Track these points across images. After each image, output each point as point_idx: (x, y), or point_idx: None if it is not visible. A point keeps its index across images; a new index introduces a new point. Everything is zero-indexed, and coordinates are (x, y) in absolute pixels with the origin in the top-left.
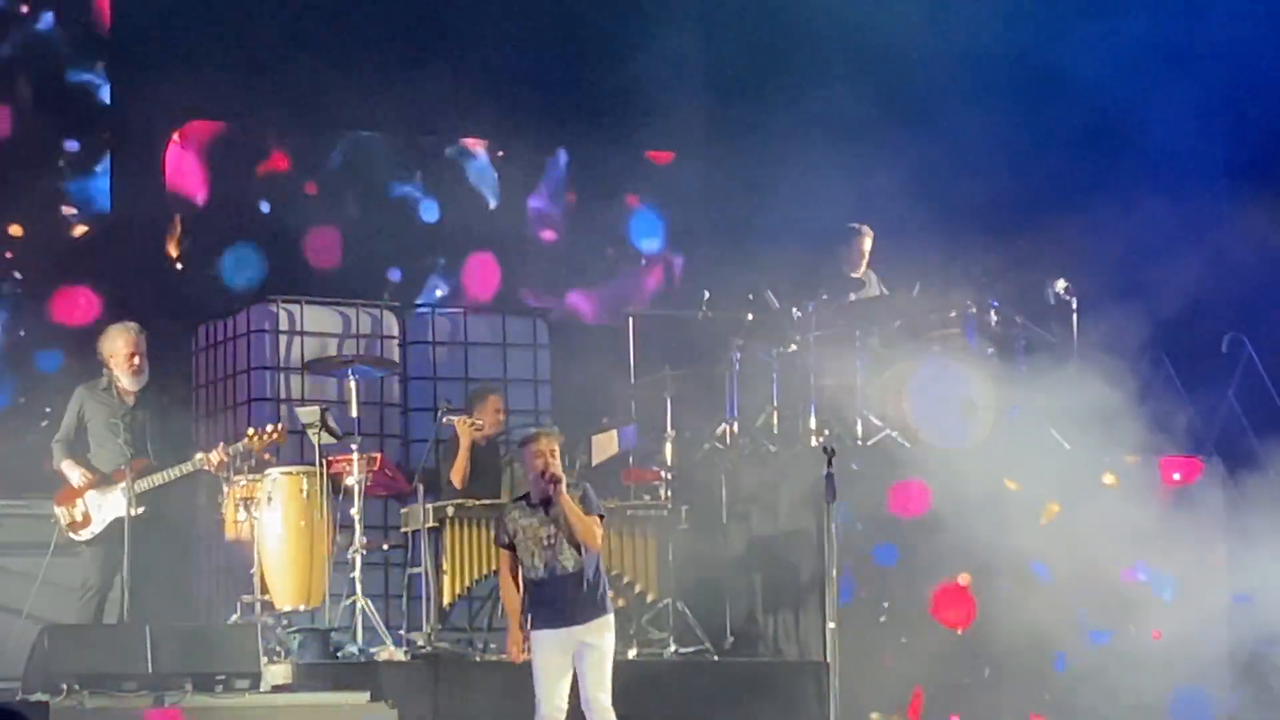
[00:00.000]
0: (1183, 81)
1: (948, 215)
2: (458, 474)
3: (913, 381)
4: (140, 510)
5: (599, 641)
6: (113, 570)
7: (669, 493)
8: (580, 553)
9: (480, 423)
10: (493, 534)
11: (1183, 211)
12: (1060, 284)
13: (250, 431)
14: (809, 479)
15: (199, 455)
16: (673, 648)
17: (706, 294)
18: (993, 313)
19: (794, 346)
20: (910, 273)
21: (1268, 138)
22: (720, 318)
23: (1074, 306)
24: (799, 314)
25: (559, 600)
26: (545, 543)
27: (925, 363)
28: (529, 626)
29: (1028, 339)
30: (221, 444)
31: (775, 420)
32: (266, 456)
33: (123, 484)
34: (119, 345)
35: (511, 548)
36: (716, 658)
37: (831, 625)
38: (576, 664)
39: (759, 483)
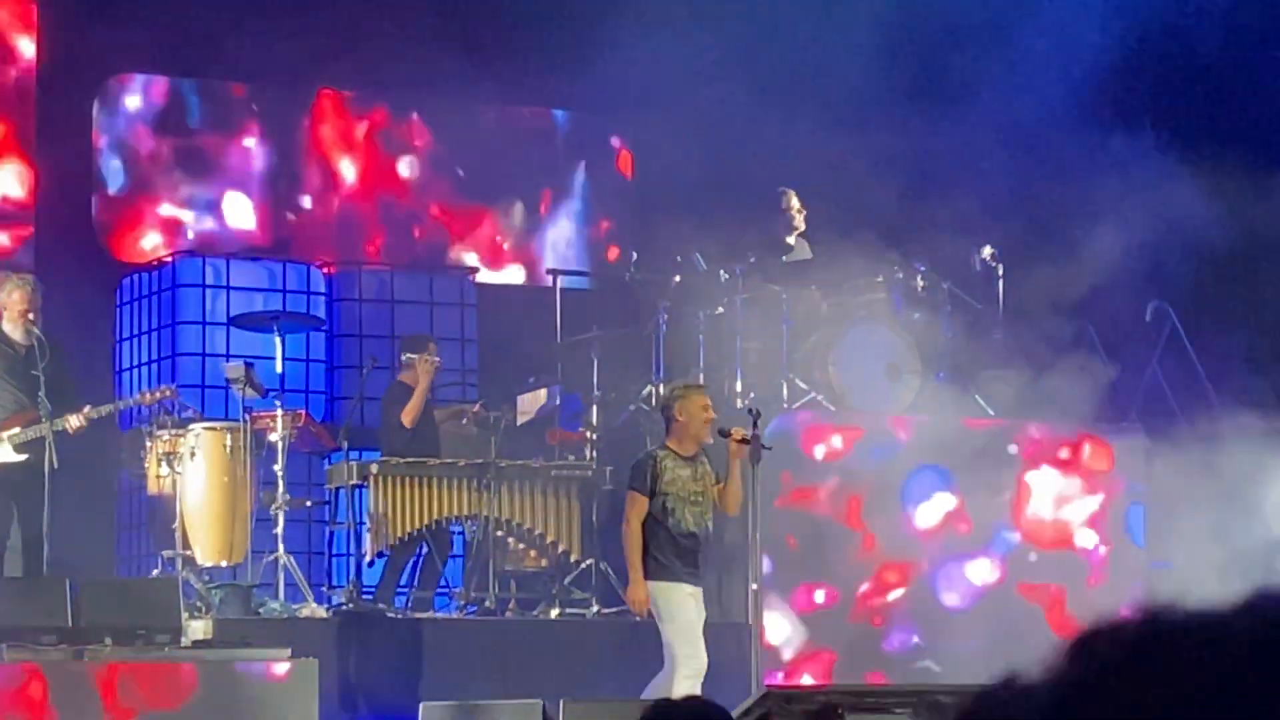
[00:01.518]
0: (1113, 44)
1: (875, 180)
2: (410, 415)
3: (838, 346)
4: (24, 458)
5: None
6: (5, 521)
7: (594, 453)
8: (710, 514)
9: (439, 360)
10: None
11: (1110, 179)
12: (987, 250)
13: (141, 390)
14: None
15: (63, 418)
16: (595, 608)
17: (634, 255)
18: (919, 278)
19: (721, 309)
20: (837, 237)
21: (1195, 104)
22: (647, 279)
23: (1000, 273)
24: (726, 277)
25: (698, 557)
26: (694, 499)
27: (851, 327)
28: (662, 579)
29: (953, 305)
30: (88, 406)
31: (701, 382)
32: (192, 412)
33: (8, 433)
34: (15, 298)
35: (651, 495)
36: (639, 618)
37: (754, 587)
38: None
39: None
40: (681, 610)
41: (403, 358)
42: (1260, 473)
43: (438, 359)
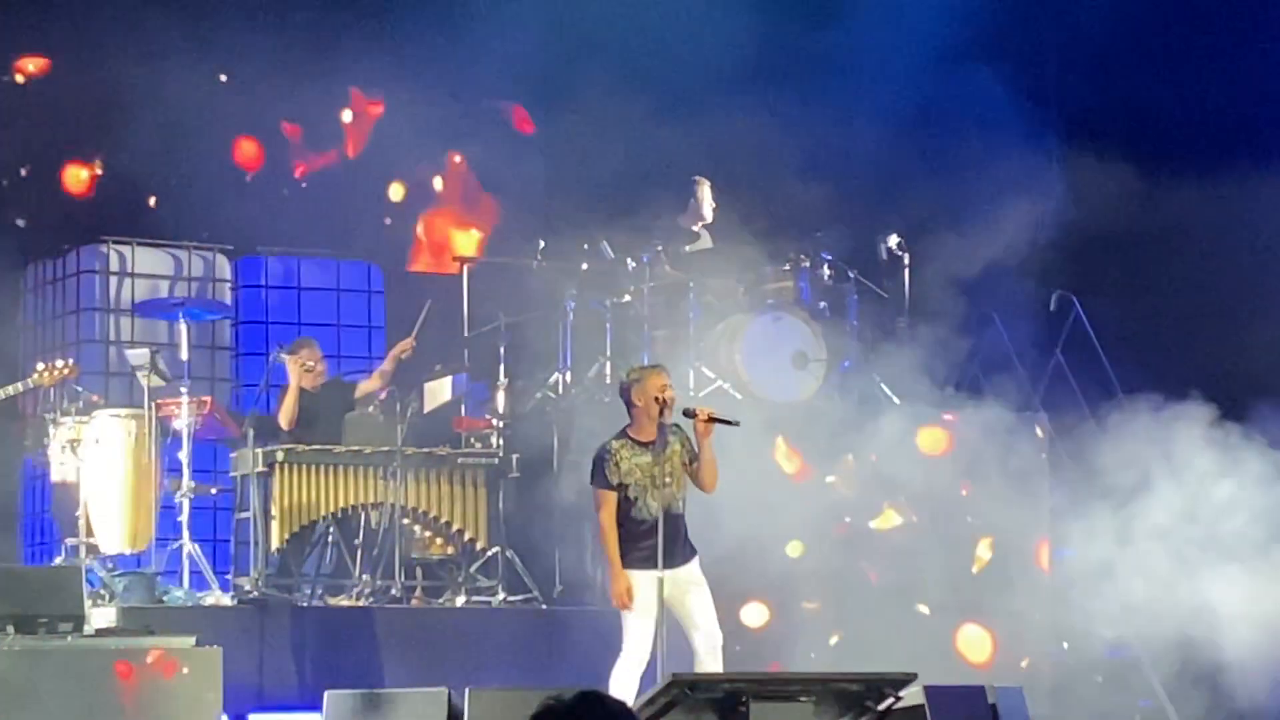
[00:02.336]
0: (1014, 38)
1: (783, 170)
2: (284, 416)
3: (745, 334)
4: None
5: (701, 578)
6: None
7: (500, 441)
8: (681, 493)
9: (311, 363)
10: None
11: (1014, 168)
12: (893, 239)
13: (40, 367)
14: None
15: None
16: (501, 596)
17: (542, 243)
18: (826, 267)
19: (628, 297)
20: (745, 225)
21: (1100, 93)
22: (554, 267)
23: (906, 262)
24: (633, 265)
25: (672, 540)
26: (659, 482)
27: (758, 315)
28: (627, 569)
29: (860, 293)
30: None
31: (608, 370)
32: (96, 398)
33: None
34: None
35: (616, 489)
36: (545, 606)
37: (660, 575)
38: (682, 605)
39: (590, 432)
40: (641, 598)
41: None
42: (1163, 460)
43: (309, 362)
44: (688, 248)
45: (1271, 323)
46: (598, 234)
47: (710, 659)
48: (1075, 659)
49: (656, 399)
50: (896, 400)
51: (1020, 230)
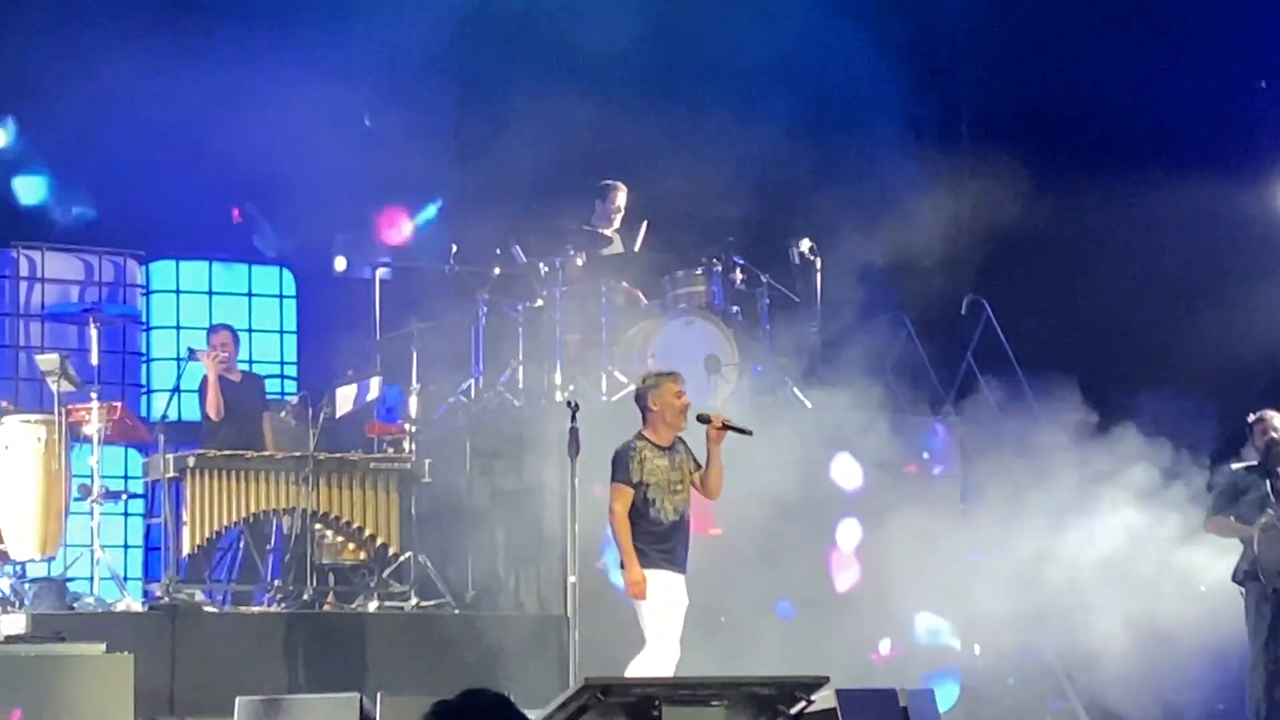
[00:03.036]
0: (924, 43)
1: (695, 173)
2: (211, 407)
3: (657, 338)
4: None
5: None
6: None
7: (413, 446)
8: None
9: (222, 353)
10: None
11: (926, 172)
12: (805, 243)
13: None
14: (553, 433)
15: None
16: (414, 601)
17: (454, 247)
18: (738, 271)
19: (540, 301)
20: (657, 230)
21: (1011, 95)
22: (467, 272)
23: (818, 266)
24: (546, 269)
25: (682, 545)
26: (673, 488)
27: (670, 320)
28: (650, 568)
29: (772, 297)
30: None
31: (520, 375)
32: (5, 404)
33: None
34: None
35: (635, 487)
36: (458, 611)
37: (573, 579)
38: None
39: (503, 437)
40: (666, 599)
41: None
42: (1071, 463)
43: (216, 351)
44: (601, 252)
45: (1183, 323)
46: (510, 239)
47: (669, 666)
48: (986, 662)
49: (676, 405)
50: (808, 404)
51: (932, 234)
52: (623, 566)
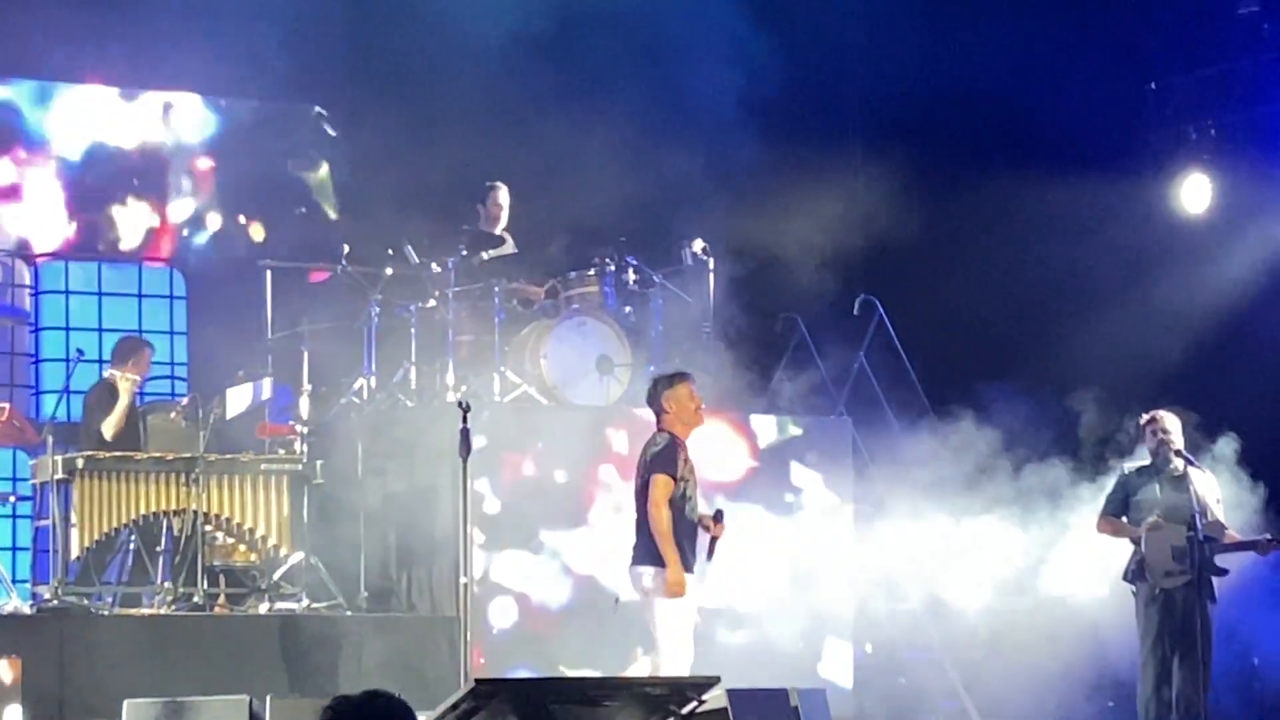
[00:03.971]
0: (813, 44)
1: (586, 174)
2: (112, 428)
3: (550, 339)
4: None
5: None
6: None
7: (304, 447)
8: None
9: (138, 378)
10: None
11: (818, 173)
12: (698, 244)
13: None
14: (445, 435)
15: None
16: (306, 602)
17: (346, 248)
18: (631, 271)
19: (433, 302)
20: (549, 230)
21: (903, 96)
22: (359, 272)
23: (711, 267)
24: (438, 270)
25: (695, 548)
26: (697, 487)
27: (562, 320)
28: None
29: (665, 298)
30: None
31: (413, 376)
32: None
33: None
34: None
35: (678, 482)
36: (349, 613)
37: (464, 580)
38: None
39: (395, 438)
40: (688, 601)
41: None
42: (964, 465)
43: (134, 378)
44: (492, 253)
45: (1074, 322)
46: (402, 239)
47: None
48: (878, 660)
49: (691, 405)
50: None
51: (825, 234)
52: (664, 565)
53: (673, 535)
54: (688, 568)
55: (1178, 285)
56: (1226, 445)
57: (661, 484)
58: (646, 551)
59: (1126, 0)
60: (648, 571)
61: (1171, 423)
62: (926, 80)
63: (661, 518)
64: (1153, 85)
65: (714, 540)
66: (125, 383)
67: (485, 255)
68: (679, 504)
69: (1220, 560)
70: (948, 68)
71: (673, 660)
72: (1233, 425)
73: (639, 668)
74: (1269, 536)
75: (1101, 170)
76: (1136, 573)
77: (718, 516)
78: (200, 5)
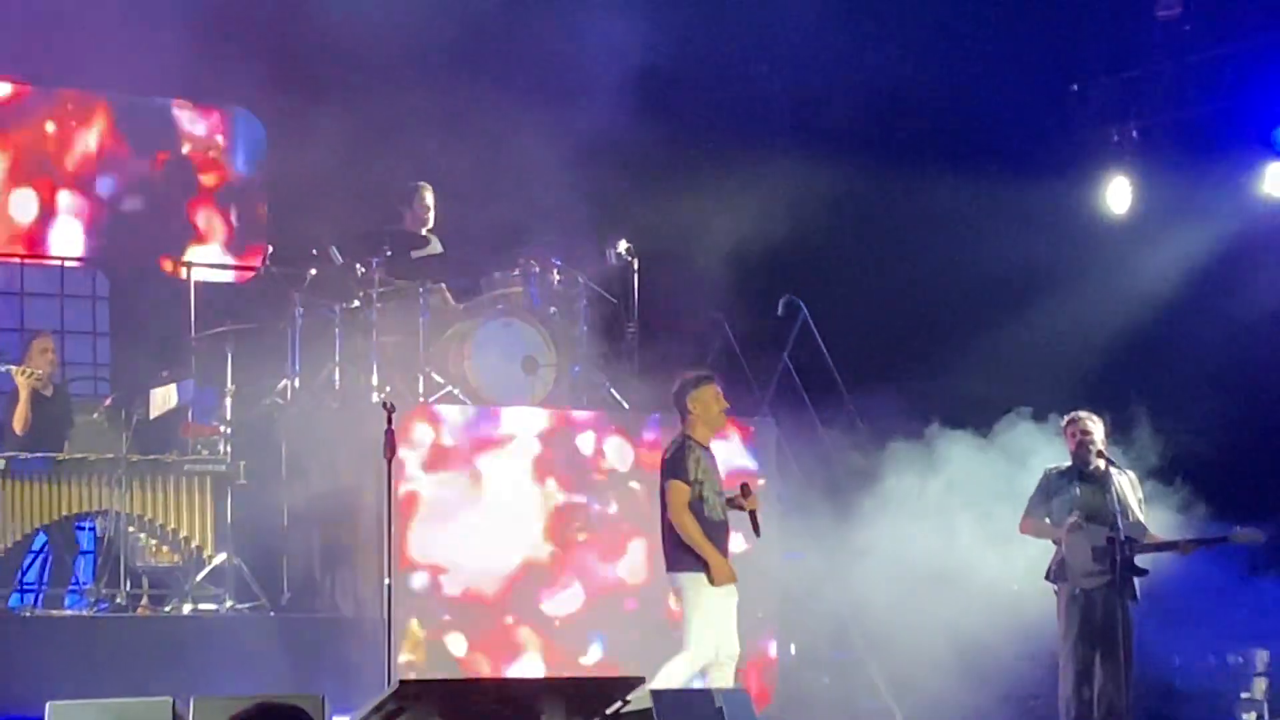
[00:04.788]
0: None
1: (512, 175)
2: (19, 422)
3: (475, 339)
4: None
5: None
6: None
7: (228, 448)
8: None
9: (37, 371)
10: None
11: (740, 172)
12: (622, 244)
13: None
14: (370, 435)
15: None
16: (229, 603)
17: (270, 248)
18: (555, 272)
19: (357, 303)
20: (473, 230)
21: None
22: (283, 273)
23: (635, 267)
24: (362, 270)
25: (726, 546)
26: (719, 488)
27: (487, 320)
28: (695, 569)
29: (589, 298)
30: None
31: (337, 376)
32: None
33: None
34: None
35: (693, 485)
36: (273, 614)
37: (388, 581)
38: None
39: (320, 439)
40: (709, 600)
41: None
42: (887, 467)
43: (36, 371)
44: (418, 253)
45: (999, 322)
46: (326, 240)
47: (727, 667)
48: (802, 659)
49: (715, 407)
50: (625, 405)
51: (750, 235)
52: (705, 566)
53: (701, 532)
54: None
55: (1100, 286)
56: (1147, 446)
57: (676, 490)
58: (675, 558)
59: (1050, 2)
60: (679, 577)
61: (1093, 424)
62: (852, 81)
63: (686, 525)
64: (1076, 87)
65: (753, 514)
66: (21, 377)
67: (412, 255)
68: (697, 507)
69: (1141, 560)
70: (873, 68)
71: (689, 665)
72: (1154, 425)
73: (671, 666)
74: (1189, 537)
75: (1025, 171)
76: (1058, 573)
77: (744, 490)
78: (126, 2)
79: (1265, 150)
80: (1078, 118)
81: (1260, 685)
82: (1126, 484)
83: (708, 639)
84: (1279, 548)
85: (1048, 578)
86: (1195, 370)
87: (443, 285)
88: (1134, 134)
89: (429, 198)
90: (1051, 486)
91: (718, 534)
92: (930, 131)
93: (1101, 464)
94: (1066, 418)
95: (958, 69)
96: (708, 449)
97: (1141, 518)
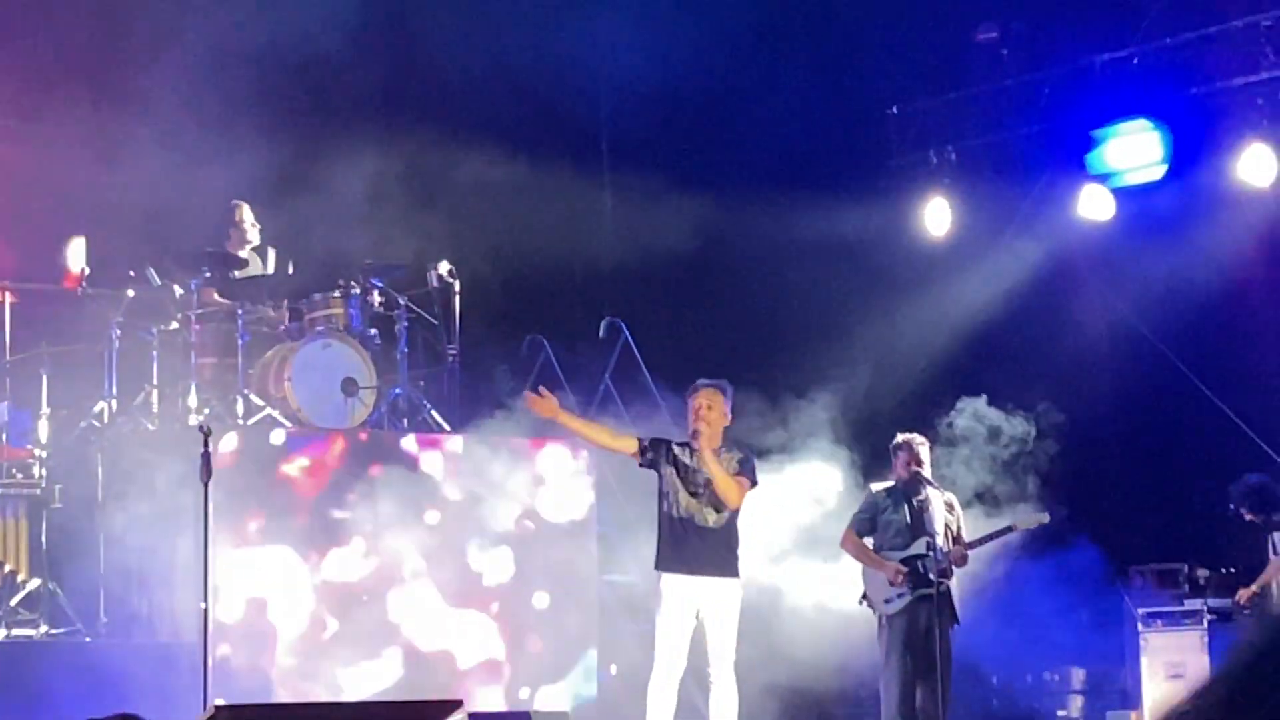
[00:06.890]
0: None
1: (330, 194)
2: None
3: (294, 361)
4: None
5: (727, 599)
6: None
7: (43, 471)
8: (720, 512)
9: None
10: None
11: (564, 195)
12: (444, 266)
13: None
14: (187, 458)
15: None
16: (44, 629)
17: (86, 270)
18: (376, 293)
19: (175, 324)
20: (291, 251)
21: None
22: (100, 294)
23: (456, 289)
24: (181, 292)
25: (694, 548)
26: (694, 491)
27: (307, 342)
28: (656, 567)
29: (410, 320)
30: None
31: (154, 399)
32: None
33: None
34: None
35: (649, 464)
36: (89, 639)
37: (203, 605)
38: (702, 619)
39: (137, 461)
40: (664, 603)
41: None
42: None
43: None
44: (236, 274)
45: (820, 343)
46: (144, 261)
47: (716, 684)
48: (623, 681)
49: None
50: (447, 427)
51: (571, 257)
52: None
53: (597, 429)
54: (666, 568)
55: (920, 306)
56: (967, 467)
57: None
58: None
59: (868, 25)
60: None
61: (918, 445)
62: (673, 104)
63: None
64: (894, 110)
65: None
66: None
67: (235, 275)
68: (660, 501)
69: (973, 555)
70: (694, 92)
71: (655, 674)
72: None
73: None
74: (1010, 525)
75: (845, 193)
76: (867, 596)
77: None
78: None
79: (1080, 172)
80: (897, 140)
81: (1076, 703)
82: (946, 504)
83: (666, 642)
84: (1102, 571)
85: (859, 602)
86: (1016, 385)
87: (262, 306)
88: (952, 156)
89: (248, 215)
90: (877, 506)
91: (679, 530)
92: (752, 153)
93: (923, 486)
94: (899, 439)
95: (777, 91)
96: (691, 448)
97: (963, 535)
